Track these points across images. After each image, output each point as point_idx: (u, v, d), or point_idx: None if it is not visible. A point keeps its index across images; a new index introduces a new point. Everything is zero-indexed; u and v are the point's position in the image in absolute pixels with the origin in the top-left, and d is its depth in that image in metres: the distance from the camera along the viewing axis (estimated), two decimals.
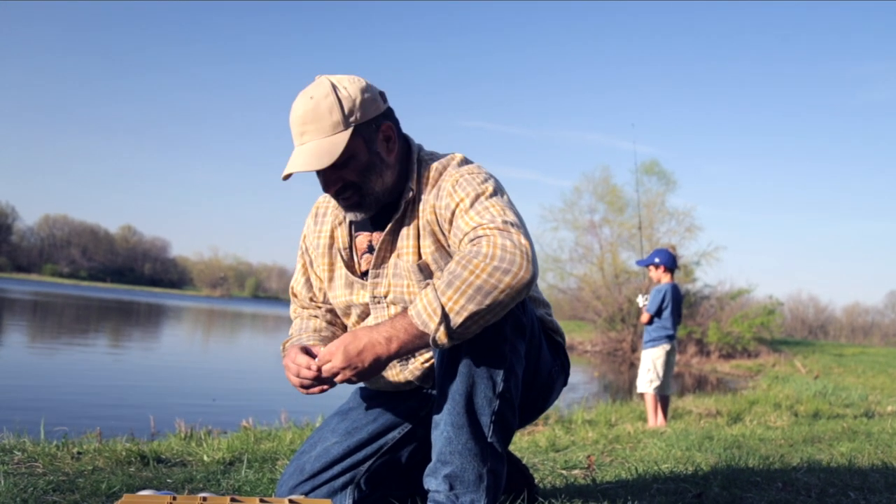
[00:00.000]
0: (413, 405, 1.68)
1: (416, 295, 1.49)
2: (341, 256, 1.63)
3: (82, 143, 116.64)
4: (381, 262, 1.55)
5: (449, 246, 1.49)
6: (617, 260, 22.56)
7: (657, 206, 22.98)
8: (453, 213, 1.44)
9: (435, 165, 1.54)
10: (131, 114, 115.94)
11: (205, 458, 2.42)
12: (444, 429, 1.42)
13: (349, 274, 1.62)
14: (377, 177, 1.50)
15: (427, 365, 1.59)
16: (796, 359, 17.11)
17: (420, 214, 1.51)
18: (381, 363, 1.37)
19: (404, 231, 1.53)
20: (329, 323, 1.72)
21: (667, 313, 5.17)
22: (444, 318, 1.30)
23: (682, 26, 67.71)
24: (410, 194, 1.52)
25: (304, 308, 1.75)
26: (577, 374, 15.06)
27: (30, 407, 5.31)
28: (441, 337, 1.32)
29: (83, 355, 10.73)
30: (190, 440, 2.92)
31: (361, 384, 1.74)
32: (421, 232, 1.51)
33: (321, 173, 1.49)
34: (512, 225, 1.37)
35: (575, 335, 24.87)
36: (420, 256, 1.51)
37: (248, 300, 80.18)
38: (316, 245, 1.68)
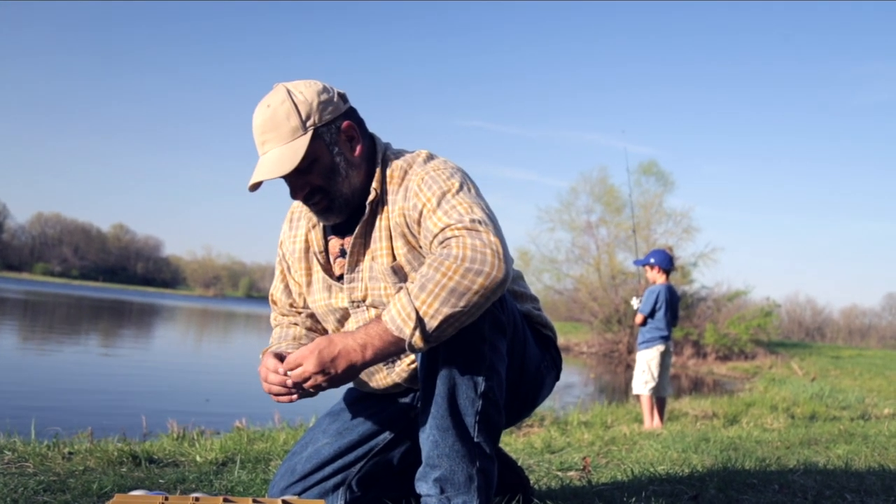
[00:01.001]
0: (403, 406, 1.67)
1: (390, 297, 1.48)
2: (318, 260, 1.61)
3: (75, 140, 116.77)
4: (354, 265, 1.53)
5: (420, 247, 1.48)
6: (614, 261, 22.58)
7: (655, 207, 23.01)
8: (421, 214, 1.43)
9: (399, 164, 1.52)
10: (125, 112, 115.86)
11: (197, 458, 2.40)
12: (429, 432, 1.41)
13: (327, 277, 1.60)
14: (343, 178, 1.49)
15: (413, 367, 1.58)
16: (793, 361, 17.14)
17: (389, 215, 1.50)
18: (355, 370, 1.35)
19: (376, 233, 1.51)
20: (309, 329, 1.70)
21: (660, 314, 5.16)
22: (419, 322, 1.29)
23: (681, 25, 67.91)
24: (373, 195, 1.49)
25: (283, 315, 1.73)
26: (573, 376, 15.05)
27: (20, 407, 5.27)
28: (417, 341, 1.31)
29: (74, 355, 10.68)
30: (182, 440, 2.90)
31: (350, 386, 1.73)
32: (393, 233, 1.50)
33: (287, 180, 1.47)
34: (480, 223, 1.35)
35: (571, 336, 24.87)
36: (394, 258, 1.50)
37: (241, 300, 79.67)
38: (292, 250, 1.66)
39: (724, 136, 67.61)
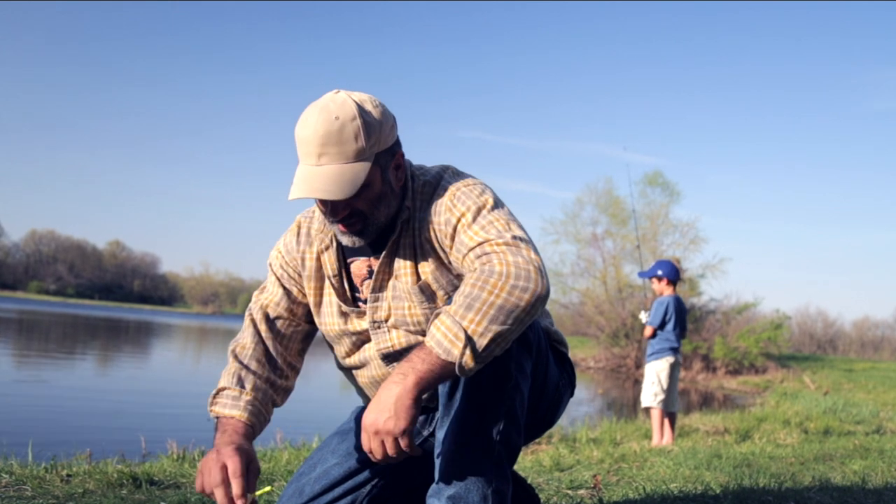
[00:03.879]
0: (417, 424, 1.62)
1: (418, 316, 1.45)
2: (332, 284, 1.56)
3: (70, 156, 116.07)
4: (379, 286, 1.50)
5: (450, 262, 1.45)
6: (620, 273, 22.46)
7: (661, 218, 22.94)
8: (455, 229, 1.40)
9: (428, 180, 1.49)
10: (120, 127, 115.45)
11: None
12: (447, 448, 1.37)
13: (342, 304, 1.55)
14: (385, 207, 1.44)
15: None
16: (805, 374, 16.95)
17: (416, 233, 1.47)
18: (410, 409, 1.27)
19: (400, 251, 1.48)
20: (280, 368, 1.56)
21: (670, 326, 5.10)
22: (469, 341, 1.26)
23: (686, 33, 67.97)
24: (407, 214, 1.46)
25: (275, 318, 1.59)
26: (580, 391, 14.92)
27: (17, 428, 5.23)
28: (468, 361, 1.27)
29: (71, 375, 10.63)
30: (183, 461, 2.86)
31: (361, 405, 1.69)
32: (418, 251, 1.47)
33: (329, 201, 1.40)
34: (520, 240, 1.34)
35: (577, 351, 24.71)
36: (419, 277, 1.47)
37: (240, 317, 77.89)
38: (302, 266, 1.58)
39: (731, 144, 67.34)
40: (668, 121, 66.84)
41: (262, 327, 1.58)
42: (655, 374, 5.07)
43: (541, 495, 2.27)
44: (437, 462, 1.40)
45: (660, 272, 5.22)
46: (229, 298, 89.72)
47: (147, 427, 5.15)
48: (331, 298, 1.56)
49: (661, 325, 5.12)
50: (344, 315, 1.55)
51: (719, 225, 55.70)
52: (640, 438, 5.09)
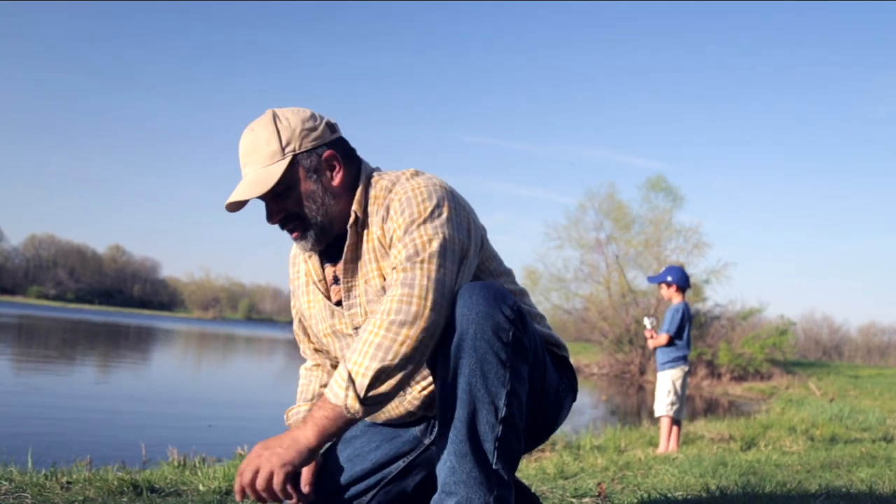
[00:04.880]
0: (418, 433, 1.63)
1: None
2: (318, 289, 1.61)
3: (70, 160, 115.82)
4: (349, 291, 1.53)
5: None
6: (624, 279, 22.39)
7: (664, 224, 22.88)
8: (390, 240, 1.45)
9: (383, 184, 1.52)
10: (120, 131, 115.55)
11: (200, 487, 2.34)
12: (446, 458, 1.36)
13: (328, 303, 1.60)
14: (319, 206, 1.49)
15: (425, 393, 1.54)
16: (810, 381, 16.86)
17: (375, 236, 1.49)
18: (301, 453, 1.31)
19: (365, 256, 1.51)
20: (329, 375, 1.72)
21: (684, 333, 5.06)
22: (351, 383, 1.30)
23: (689, 37, 68.01)
24: (353, 217, 1.50)
25: (315, 351, 1.74)
26: (584, 398, 14.85)
27: (16, 435, 5.22)
28: (352, 403, 1.30)
29: (70, 381, 10.61)
30: (184, 468, 2.84)
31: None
32: (379, 253, 1.49)
33: (265, 204, 1.49)
34: (423, 263, 1.35)
35: (581, 357, 24.62)
36: (384, 278, 1.49)
37: (241, 322, 78.36)
38: (297, 286, 1.67)
39: (735, 148, 67.12)
40: (672, 125, 66.81)
41: (307, 348, 1.74)
42: (672, 383, 5.00)
43: None
44: (438, 472, 1.39)
45: (669, 278, 5.16)
46: (230, 303, 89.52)
47: (147, 434, 5.14)
48: (322, 304, 1.60)
49: (679, 334, 5.07)
50: (332, 314, 1.59)
51: (723, 230, 55.53)
52: (645, 446, 5.05)
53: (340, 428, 1.33)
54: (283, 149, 1.47)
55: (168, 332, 34.54)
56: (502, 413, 1.35)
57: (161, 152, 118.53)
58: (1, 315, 32.78)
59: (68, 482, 2.24)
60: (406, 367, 1.32)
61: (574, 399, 1.68)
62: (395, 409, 1.58)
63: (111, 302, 78.40)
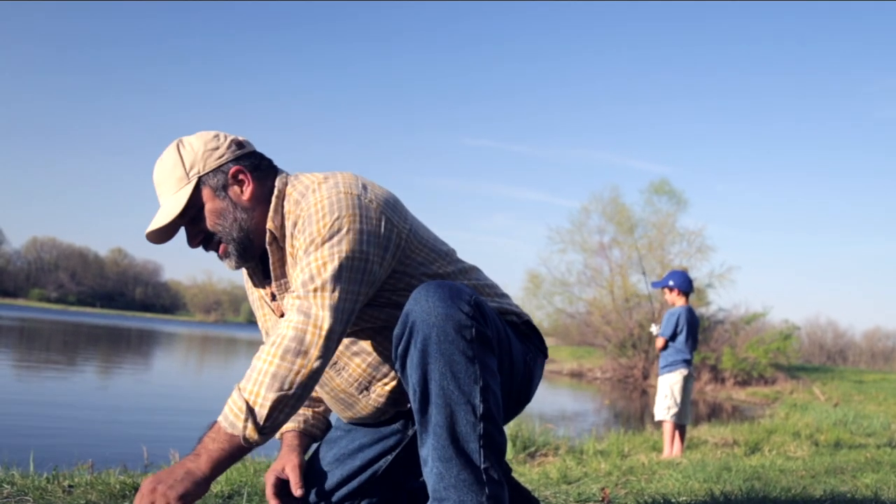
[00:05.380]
0: (399, 426, 1.63)
1: None
2: (267, 304, 1.64)
3: (71, 163, 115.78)
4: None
5: None
6: (627, 283, 22.36)
7: (668, 227, 22.86)
8: (295, 258, 1.46)
9: (295, 197, 1.50)
10: (122, 133, 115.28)
11: None
12: (432, 465, 1.35)
13: (276, 318, 1.61)
14: (231, 222, 1.50)
15: (388, 389, 1.54)
16: (815, 386, 16.80)
17: (292, 249, 1.49)
18: (199, 485, 1.30)
19: (289, 270, 1.51)
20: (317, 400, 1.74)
21: (682, 337, 5.05)
22: (250, 413, 1.30)
23: (692, 40, 67.86)
24: (269, 236, 1.50)
25: None
26: (587, 403, 14.84)
27: (17, 437, 5.22)
28: (251, 434, 1.31)
29: (72, 384, 10.63)
30: None
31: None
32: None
33: (185, 230, 1.52)
34: (317, 292, 1.36)
35: (584, 361, 24.60)
36: None
37: (243, 325, 77.67)
38: (252, 300, 1.70)
39: (739, 152, 66.87)
40: (675, 128, 66.69)
41: None
42: (669, 388, 5.01)
43: None
44: (426, 480, 1.38)
45: (671, 283, 5.17)
46: (232, 307, 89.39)
47: (149, 437, 5.14)
48: (273, 319, 1.62)
49: (673, 337, 5.07)
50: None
51: (727, 233, 55.33)
52: (649, 450, 5.03)
53: (235, 457, 1.33)
54: (187, 173, 1.50)
55: (170, 336, 34.58)
56: (480, 410, 1.34)
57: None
58: (2, 318, 32.77)
59: (70, 485, 2.24)
60: (303, 395, 1.35)
61: (545, 357, 1.68)
62: (364, 408, 1.58)
63: (113, 305, 78.31)
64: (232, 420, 1.31)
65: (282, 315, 1.57)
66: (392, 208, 1.49)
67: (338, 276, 1.38)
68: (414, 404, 1.37)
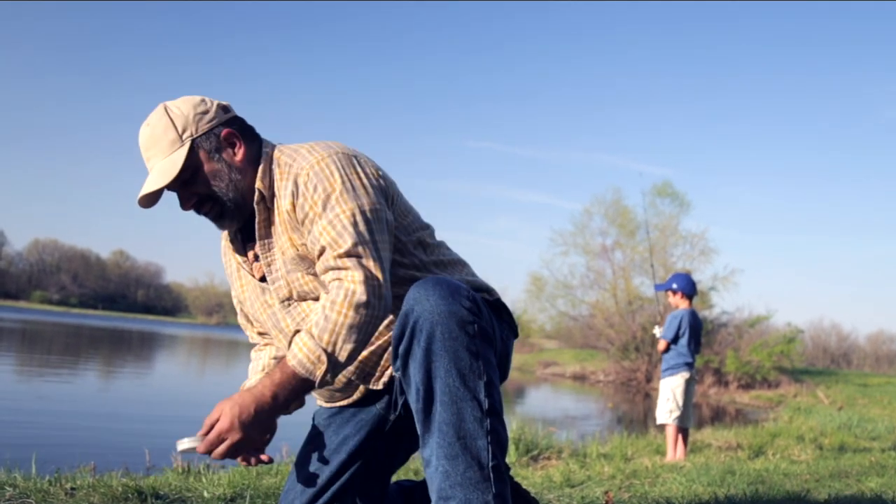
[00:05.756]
0: (381, 410, 1.63)
1: (311, 284, 1.53)
2: (245, 270, 1.66)
3: (73, 164, 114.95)
4: (269, 266, 1.58)
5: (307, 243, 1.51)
6: (630, 286, 22.31)
7: (671, 230, 22.82)
8: (307, 215, 1.48)
9: (285, 159, 1.55)
10: (124, 135, 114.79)
11: (205, 494, 2.34)
12: (437, 464, 1.33)
13: (256, 282, 1.64)
14: (227, 182, 1.53)
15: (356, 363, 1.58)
16: (819, 389, 16.74)
17: (282, 209, 1.53)
18: (274, 417, 1.43)
19: (277, 228, 1.55)
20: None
21: (684, 340, 5.04)
22: (331, 361, 1.40)
23: (695, 42, 67.61)
24: (257, 195, 1.54)
25: (260, 335, 1.80)
26: (590, 405, 14.80)
27: (19, 440, 5.22)
28: (329, 380, 1.42)
29: (74, 386, 10.62)
30: (188, 475, 2.84)
31: (317, 407, 1.73)
32: (288, 226, 1.53)
33: (177, 193, 1.54)
34: (361, 245, 1.43)
35: (587, 364, 24.55)
36: (298, 249, 1.54)
37: None
38: (230, 274, 1.72)
39: (741, 154, 66.36)
40: (678, 130, 66.47)
41: (252, 333, 1.82)
42: (670, 391, 4.99)
43: None
44: (430, 480, 1.36)
45: (674, 286, 5.16)
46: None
47: (151, 440, 5.12)
48: (251, 284, 1.66)
49: (675, 340, 5.06)
50: (262, 291, 1.64)
51: (730, 236, 55.08)
52: (652, 454, 5.01)
53: (302, 394, 1.43)
54: (180, 136, 1.51)
55: (172, 338, 34.59)
56: (485, 406, 1.33)
57: None
58: (4, 320, 32.74)
59: (72, 488, 2.24)
60: (366, 343, 1.45)
61: (516, 335, 1.71)
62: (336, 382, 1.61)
63: (115, 307, 78.05)
64: (309, 367, 1.40)
65: (262, 279, 1.62)
66: (382, 169, 1.58)
67: (370, 229, 1.45)
68: (417, 404, 1.36)
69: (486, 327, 1.39)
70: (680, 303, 5.15)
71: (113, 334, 31.82)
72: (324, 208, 1.45)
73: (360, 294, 1.41)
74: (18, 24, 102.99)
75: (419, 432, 1.38)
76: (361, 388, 1.62)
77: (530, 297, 26.14)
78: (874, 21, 55.70)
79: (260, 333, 1.78)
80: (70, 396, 9.14)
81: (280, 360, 1.51)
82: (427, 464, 1.37)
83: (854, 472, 3.85)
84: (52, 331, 28.68)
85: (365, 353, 1.57)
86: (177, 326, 61.03)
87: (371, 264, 1.43)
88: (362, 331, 1.42)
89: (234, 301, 1.76)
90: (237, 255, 1.66)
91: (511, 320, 1.68)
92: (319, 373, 1.40)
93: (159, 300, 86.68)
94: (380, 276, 1.43)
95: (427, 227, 1.66)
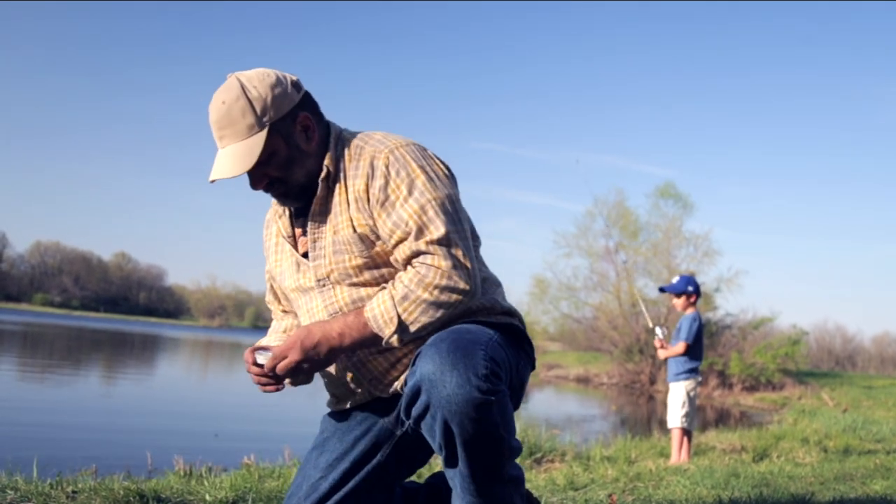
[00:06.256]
0: (389, 425, 1.63)
1: (359, 266, 1.52)
2: (287, 242, 1.66)
3: (75, 167, 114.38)
4: (315, 242, 1.57)
5: (377, 226, 1.50)
6: (633, 287, 22.25)
7: (674, 231, 22.75)
8: (388, 197, 1.48)
9: (356, 142, 1.56)
10: (126, 137, 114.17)
11: (207, 497, 2.33)
12: (465, 500, 1.43)
13: (296, 255, 1.64)
14: (299, 167, 1.54)
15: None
16: (823, 391, 16.66)
17: (347, 189, 1.53)
18: (334, 355, 1.49)
19: (336, 208, 1.54)
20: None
21: (698, 343, 5.02)
22: (400, 326, 1.45)
23: (698, 43, 67.47)
24: (325, 172, 1.54)
25: (284, 312, 1.79)
26: (594, 408, 14.77)
27: (21, 443, 5.23)
28: (394, 342, 1.47)
29: (75, 389, 10.64)
30: (190, 478, 2.84)
31: (326, 415, 1.73)
32: (352, 205, 1.53)
33: (248, 174, 1.52)
34: (452, 233, 1.46)
35: (591, 367, 24.48)
36: (356, 228, 1.53)
37: (247, 330, 76.36)
38: (269, 247, 1.72)
39: (745, 155, 66.32)
40: (682, 132, 66.37)
41: (277, 310, 1.82)
42: (685, 394, 4.93)
43: None
44: (453, 482, 1.43)
45: (690, 288, 5.11)
46: (236, 311, 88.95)
47: (153, 443, 5.12)
48: (291, 259, 1.65)
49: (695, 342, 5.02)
50: (297, 267, 1.63)
51: (734, 238, 54.95)
52: (656, 457, 4.99)
53: (367, 346, 1.50)
54: (259, 120, 1.48)
55: (174, 341, 34.61)
56: (507, 444, 1.41)
57: (168, 158, 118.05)
58: (6, 322, 32.79)
59: (74, 491, 2.23)
60: (442, 320, 1.47)
61: (533, 368, 1.70)
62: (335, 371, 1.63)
63: (117, 309, 77.85)
64: (381, 325, 1.45)
65: (304, 255, 1.61)
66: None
67: (459, 218, 1.50)
68: (439, 451, 1.43)
69: (501, 386, 1.39)
70: (689, 305, 5.11)
71: (115, 337, 31.84)
72: (409, 192, 1.47)
73: (454, 280, 1.44)
74: (18, 24, 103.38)
75: (446, 470, 1.45)
76: (368, 392, 1.61)
77: (533, 300, 26.11)
78: (880, 22, 55.64)
79: (284, 312, 1.78)
80: (71, 399, 9.15)
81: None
82: (456, 498, 1.45)
83: (859, 474, 3.83)
84: (54, 333, 28.71)
85: (378, 357, 1.56)
86: (179, 329, 61.00)
87: (460, 253, 1.46)
88: (443, 310, 1.45)
89: (266, 275, 1.76)
90: (283, 229, 1.66)
91: (531, 349, 1.67)
92: (388, 332, 1.44)
93: (161, 302, 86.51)
94: (468, 264, 1.47)
95: (478, 238, 1.66)
